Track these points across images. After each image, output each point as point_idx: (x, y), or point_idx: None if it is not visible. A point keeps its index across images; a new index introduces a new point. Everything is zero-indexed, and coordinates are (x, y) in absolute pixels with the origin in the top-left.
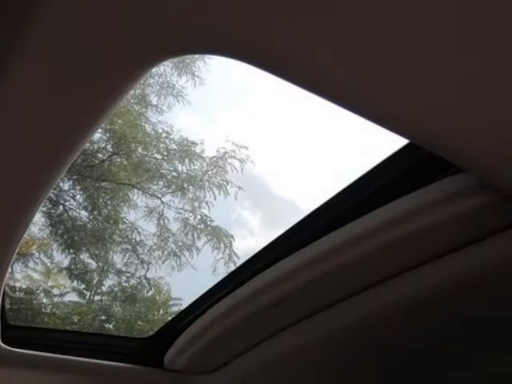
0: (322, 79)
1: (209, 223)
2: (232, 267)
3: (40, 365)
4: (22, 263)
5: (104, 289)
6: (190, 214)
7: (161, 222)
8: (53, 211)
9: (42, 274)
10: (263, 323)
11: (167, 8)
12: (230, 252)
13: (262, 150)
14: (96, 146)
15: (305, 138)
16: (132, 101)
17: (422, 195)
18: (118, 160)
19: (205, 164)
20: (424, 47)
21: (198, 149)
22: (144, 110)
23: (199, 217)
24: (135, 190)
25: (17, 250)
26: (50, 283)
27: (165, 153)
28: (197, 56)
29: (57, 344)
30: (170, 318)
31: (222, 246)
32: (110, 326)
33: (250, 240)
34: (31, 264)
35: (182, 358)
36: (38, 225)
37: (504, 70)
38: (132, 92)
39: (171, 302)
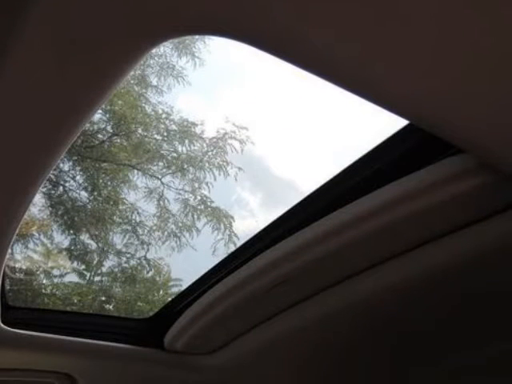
0: (323, 60)
1: (209, 204)
2: (232, 248)
3: (40, 346)
4: (22, 244)
5: (104, 269)
6: (190, 195)
7: (161, 202)
8: (53, 192)
9: (42, 255)
10: (263, 304)
11: None
12: (230, 233)
13: (262, 130)
14: (96, 127)
15: (305, 119)
16: (132, 82)
17: (422, 176)
18: (118, 141)
19: (205, 145)
20: (425, 29)
21: (198, 129)
22: (144, 90)
23: (199, 198)
24: (135, 171)
25: (17, 231)
26: (49, 264)
27: (165, 134)
28: (197, 37)
29: (57, 325)
30: (169, 299)
31: (222, 226)
32: (110, 307)
33: (250, 221)
34: (31, 245)
35: (183, 339)
36: (37, 206)
37: (503, 53)
38: (132, 73)
39: (171, 283)
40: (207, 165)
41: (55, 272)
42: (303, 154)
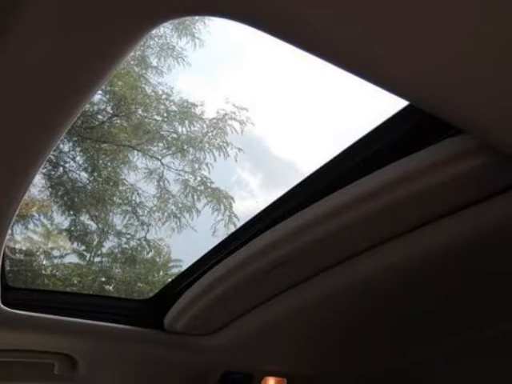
0: (322, 41)
1: (209, 185)
2: (232, 229)
3: (40, 327)
4: (22, 225)
5: (104, 250)
6: (190, 176)
7: (161, 183)
8: (53, 173)
9: (42, 236)
10: (263, 285)
11: None
12: (230, 213)
13: (262, 111)
14: (96, 108)
15: (305, 100)
16: (132, 62)
17: (422, 157)
18: (118, 121)
19: (205, 126)
20: (425, 11)
21: (198, 110)
22: (144, 71)
23: (199, 178)
24: (135, 152)
25: (17, 212)
26: (49, 245)
27: (165, 114)
28: (197, 18)
29: (57, 306)
30: (169, 280)
31: (222, 207)
32: (110, 288)
33: (250, 202)
34: (31, 226)
35: (182, 320)
36: (37, 186)
37: (504, 37)
38: (132, 54)
39: (171, 264)
40: (207, 146)
41: (55, 253)
42: (303, 135)
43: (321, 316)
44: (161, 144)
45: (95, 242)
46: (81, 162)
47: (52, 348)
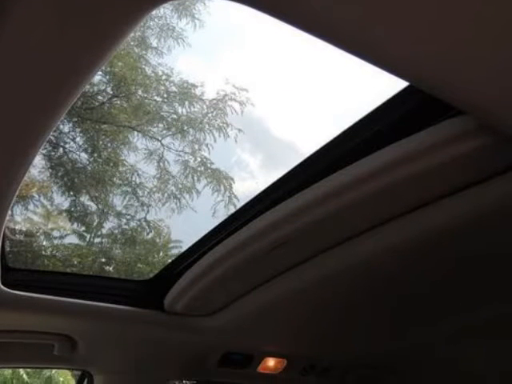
0: (321, 22)
1: (209, 166)
2: (232, 209)
3: (40, 307)
4: (22, 206)
5: (104, 231)
6: (190, 157)
7: (161, 164)
8: (53, 153)
9: (42, 217)
10: (263, 266)
11: None
12: (230, 194)
13: (262, 92)
14: (96, 89)
15: (305, 81)
16: (132, 43)
17: (422, 138)
18: (118, 102)
19: (205, 106)
20: None
21: (198, 91)
22: (144, 52)
23: (199, 159)
24: (135, 133)
25: (17, 193)
26: (49, 226)
27: (165, 95)
28: None
29: (57, 286)
30: (169, 261)
31: (222, 188)
32: (110, 269)
33: (250, 182)
34: (31, 206)
35: (182, 301)
36: (37, 167)
37: (505, 21)
38: (132, 34)
39: (171, 245)
40: (207, 126)
41: (55, 234)
42: (303, 116)
43: (320, 297)
44: (161, 125)
45: (95, 223)
46: (81, 143)
47: (52, 329)
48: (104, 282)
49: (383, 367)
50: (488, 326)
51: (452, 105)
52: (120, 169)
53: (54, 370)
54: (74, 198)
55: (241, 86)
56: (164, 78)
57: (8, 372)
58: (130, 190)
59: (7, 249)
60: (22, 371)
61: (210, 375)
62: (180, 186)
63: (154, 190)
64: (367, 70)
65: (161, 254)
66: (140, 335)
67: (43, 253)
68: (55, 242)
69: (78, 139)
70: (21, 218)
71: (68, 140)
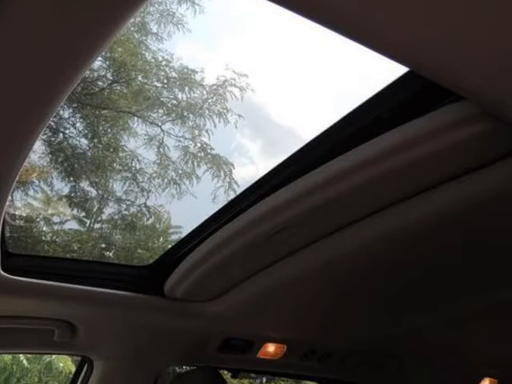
0: (322, 8)
1: (209, 151)
2: (232, 195)
3: (40, 293)
4: (22, 191)
5: (104, 217)
6: (190, 142)
7: (161, 150)
8: (53, 139)
9: (42, 202)
10: (263, 251)
11: None
12: (230, 180)
13: (262, 77)
14: (96, 74)
15: (305, 66)
16: (132, 29)
17: (422, 123)
18: (118, 88)
19: (205, 92)
20: None
21: (198, 77)
22: (144, 38)
23: (199, 145)
24: (135, 118)
25: (17, 178)
26: (49, 211)
27: (165, 81)
28: None
29: (57, 272)
30: (169, 246)
31: (222, 173)
32: (110, 254)
33: (250, 168)
34: (31, 192)
35: (182, 286)
36: (37, 153)
37: (506, 3)
38: (132, 20)
39: (171, 230)
40: (207, 112)
41: (55, 219)
42: (303, 102)
43: (320, 282)
44: (161, 110)
45: (95, 209)
46: (81, 129)
47: (52, 315)
48: (104, 268)
49: (383, 352)
50: (488, 311)
51: (452, 90)
52: (120, 154)
53: (54, 356)
54: (73, 183)
55: (241, 71)
56: (164, 63)
57: (8, 358)
58: (129, 175)
59: (7, 234)
60: (22, 357)
61: (210, 361)
62: (180, 171)
63: (154, 175)
64: (367, 56)
65: (161, 239)
66: (140, 321)
67: (43, 238)
68: (55, 227)
69: (78, 125)
70: (21, 203)
71: (68, 125)
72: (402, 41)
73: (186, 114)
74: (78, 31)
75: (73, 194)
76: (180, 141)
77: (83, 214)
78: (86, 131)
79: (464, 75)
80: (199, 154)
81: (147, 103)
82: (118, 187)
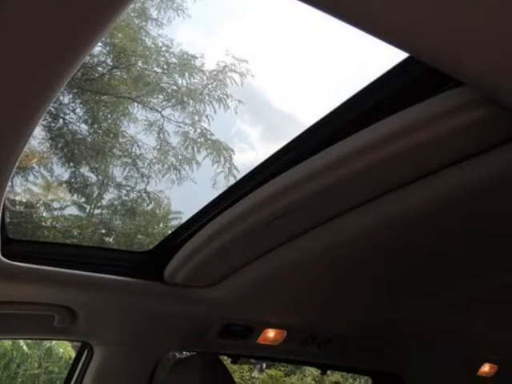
0: None
1: (209, 137)
2: (232, 181)
3: (40, 279)
4: (22, 177)
5: (104, 202)
6: (190, 128)
7: (161, 135)
8: (53, 125)
9: (42, 188)
10: (263, 237)
11: None
12: (230, 165)
13: (262, 63)
14: (96, 60)
15: (306, 52)
16: (132, 14)
17: (422, 109)
18: (118, 73)
19: (205, 78)
20: None
21: (198, 62)
22: (144, 23)
23: (199, 130)
24: (135, 104)
25: (17, 164)
26: (49, 197)
27: (165, 66)
28: None
29: (57, 258)
30: (170, 232)
31: (222, 159)
32: (110, 240)
33: (250, 153)
34: (31, 178)
35: (182, 272)
36: (37, 138)
37: None
38: (132, 5)
39: (171, 216)
40: (207, 98)
41: (55, 205)
42: (303, 87)
43: (320, 268)
44: (161, 96)
45: (95, 194)
46: (81, 114)
47: (52, 300)
48: (104, 253)
49: (383, 337)
50: (489, 296)
51: (452, 76)
52: (120, 140)
53: (54, 342)
54: (73, 169)
55: (241, 57)
56: (164, 49)
57: (8, 343)
58: (129, 161)
59: (7, 220)
60: (21, 342)
61: (210, 346)
62: (180, 157)
63: (154, 161)
64: (367, 41)
65: (161, 225)
66: (140, 306)
67: (43, 224)
68: (55, 213)
69: (77, 110)
70: (21, 189)
71: (68, 111)
72: (402, 26)
73: (186, 99)
74: (78, 16)
75: (73, 180)
76: (180, 126)
77: (83, 199)
78: (86, 117)
79: (464, 61)
80: (199, 140)
81: (147, 89)
82: (118, 173)
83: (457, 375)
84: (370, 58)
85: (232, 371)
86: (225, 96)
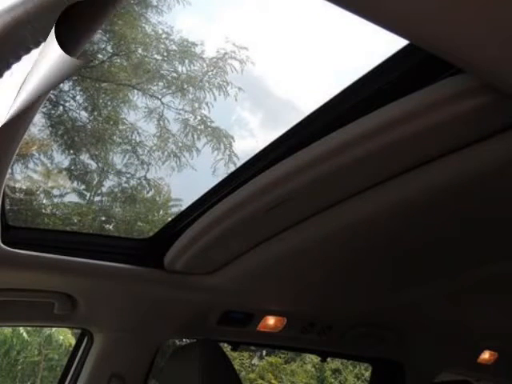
0: None
1: (209, 124)
2: (232, 168)
3: (40, 266)
4: (22, 164)
5: (104, 189)
6: (190, 115)
7: (161, 122)
8: (53, 112)
9: (42, 175)
10: (263, 224)
11: None
12: (230, 153)
13: (262, 50)
14: (96, 47)
15: (306, 39)
16: (132, 1)
17: (422, 96)
18: (118, 61)
19: (205, 65)
20: None
21: (198, 49)
22: (144, 10)
23: (199, 118)
24: (135, 91)
25: (17, 151)
26: (50, 184)
27: (165, 53)
28: None
29: (57, 245)
30: (170, 219)
31: (222, 146)
32: (110, 227)
33: (250, 141)
34: (31, 165)
35: (182, 259)
36: (37, 126)
37: None
38: None
39: (171, 203)
40: (207, 85)
41: (55, 192)
42: (304, 74)
43: (321, 255)
44: (161, 83)
45: (95, 181)
46: (81, 101)
47: (52, 287)
48: (104, 241)
49: (383, 325)
50: (489, 283)
51: (452, 63)
52: (120, 127)
53: (54, 329)
54: (73, 156)
55: (241, 44)
56: (164, 36)
57: (8, 330)
58: (129, 148)
59: (7, 207)
60: (21, 329)
61: (210, 334)
62: (180, 144)
63: (154, 148)
64: (368, 28)
65: (161, 212)
66: (140, 293)
67: (43, 211)
68: (55, 200)
69: (77, 97)
70: (21, 176)
71: (68, 98)
72: (402, 13)
73: (186, 86)
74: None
75: (73, 167)
76: (180, 114)
77: (83, 186)
78: (86, 104)
79: (463, 48)
80: (199, 127)
81: (147, 76)
82: (118, 160)
83: (457, 362)
84: (370, 45)
85: (232, 358)
86: (225, 83)
